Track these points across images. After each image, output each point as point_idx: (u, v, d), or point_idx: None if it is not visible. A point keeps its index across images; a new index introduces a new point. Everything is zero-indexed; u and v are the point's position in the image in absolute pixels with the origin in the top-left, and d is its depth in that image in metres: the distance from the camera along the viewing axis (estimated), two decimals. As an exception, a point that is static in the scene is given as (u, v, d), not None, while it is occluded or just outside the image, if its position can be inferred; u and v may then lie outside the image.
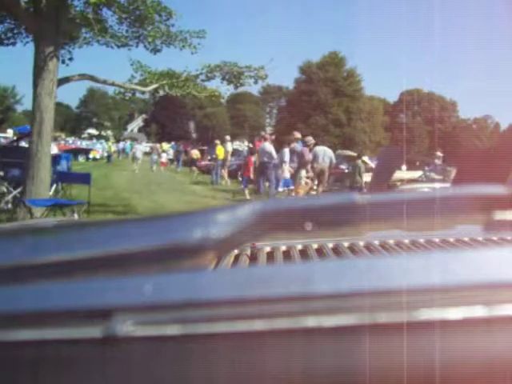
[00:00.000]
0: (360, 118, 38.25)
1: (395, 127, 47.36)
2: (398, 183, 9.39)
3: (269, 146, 10.34)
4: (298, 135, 10.47)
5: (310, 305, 0.32)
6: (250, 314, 0.32)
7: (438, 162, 12.09)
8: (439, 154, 12.68)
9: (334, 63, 39.26)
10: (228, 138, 16.28)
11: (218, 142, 16.58)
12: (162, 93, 8.44)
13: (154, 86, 7.97)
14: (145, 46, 8.28)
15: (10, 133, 22.76)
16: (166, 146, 34.36)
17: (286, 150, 9.91)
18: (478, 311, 0.32)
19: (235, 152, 26.97)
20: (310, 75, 38.96)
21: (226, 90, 8.78)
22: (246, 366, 0.31)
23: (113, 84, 7.84)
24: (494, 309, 0.32)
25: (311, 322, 0.31)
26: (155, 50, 8.27)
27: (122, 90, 8.06)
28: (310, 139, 10.26)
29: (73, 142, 34.46)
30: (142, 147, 24.89)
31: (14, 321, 0.33)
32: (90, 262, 0.37)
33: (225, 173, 15.70)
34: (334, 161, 10.75)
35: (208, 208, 0.43)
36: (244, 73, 8.49)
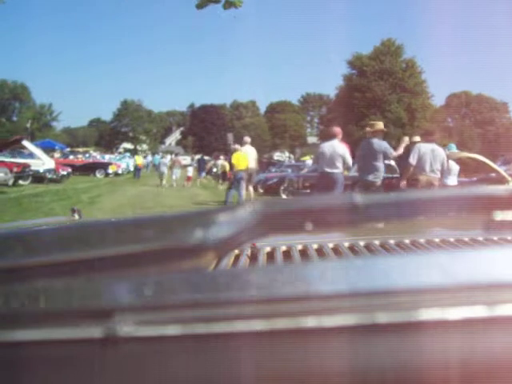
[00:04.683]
0: (425, 116, 32.61)
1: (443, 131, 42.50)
2: None
3: (341, 148, 6.45)
4: (381, 126, 6.47)
5: (310, 305, 0.32)
6: (250, 313, 0.32)
7: None
8: None
9: (389, 52, 33.87)
10: (248, 139, 10.28)
11: (237, 146, 10.30)
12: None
13: None
14: None
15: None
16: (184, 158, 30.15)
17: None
18: (478, 311, 0.32)
19: (276, 163, 22.42)
20: (362, 68, 33.77)
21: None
22: (246, 366, 0.31)
23: None
24: (494, 309, 0.32)
25: (311, 321, 0.31)
26: None
27: None
28: None
29: (90, 156, 31.37)
30: (167, 161, 21.31)
31: (14, 321, 0.33)
32: (90, 262, 0.37)
33: (250, 187, 10.38)
34: (446, 167, 6.44)
35: (208, 208, 0.43)
36: None
